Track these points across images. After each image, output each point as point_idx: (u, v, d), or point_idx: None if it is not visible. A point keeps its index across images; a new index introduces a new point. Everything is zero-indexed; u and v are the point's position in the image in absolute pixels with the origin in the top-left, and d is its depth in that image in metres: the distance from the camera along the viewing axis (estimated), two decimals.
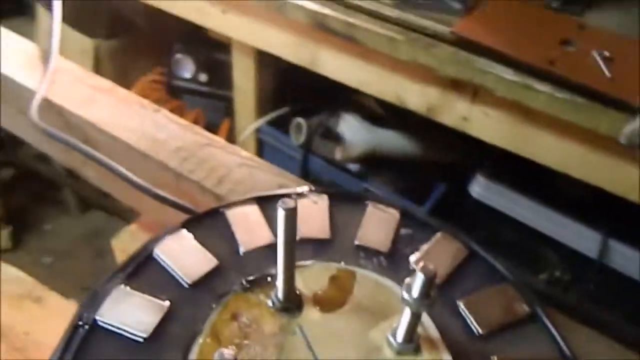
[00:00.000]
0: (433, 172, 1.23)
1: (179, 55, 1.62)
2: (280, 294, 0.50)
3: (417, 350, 0.48)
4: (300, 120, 1.24)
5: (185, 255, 0.54)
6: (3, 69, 0.85)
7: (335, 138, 1.16)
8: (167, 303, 0.49)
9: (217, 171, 0.73)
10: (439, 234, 0.58)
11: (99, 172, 0.77)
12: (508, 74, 0.82)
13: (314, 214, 0.59)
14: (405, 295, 0.43)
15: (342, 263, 0.55)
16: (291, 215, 0.44)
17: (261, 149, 1.39)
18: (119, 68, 1.84)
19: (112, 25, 1.84)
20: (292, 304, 0.51)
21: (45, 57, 0.91)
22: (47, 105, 0.82)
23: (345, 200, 0.60)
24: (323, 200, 0.60)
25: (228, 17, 1.14)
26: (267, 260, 0.54)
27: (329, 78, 1.06)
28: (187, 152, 0.75)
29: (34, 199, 2.05)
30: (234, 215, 0.58)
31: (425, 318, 0.50)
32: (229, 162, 0.74)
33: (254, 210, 0.59)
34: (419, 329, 0.49)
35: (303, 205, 0.58)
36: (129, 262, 0.51)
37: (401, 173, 1.24)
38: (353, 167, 1.24)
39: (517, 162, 0.96)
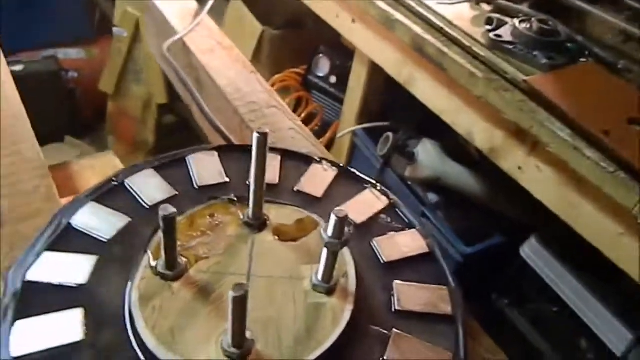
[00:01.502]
0: (492, 220, 1.24)
1: (320, 56, 1.83)
2: (250, 212, 0.63)
3: (329, 292, 0.57)
4: (389, 134, 1.35)
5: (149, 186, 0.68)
6: (161, 4, 1.11)
7: (409, 157, 1.24)
8: (127, 218, 0.63)
9: (270, 126, 0.87)
10: (367, 189, 0.73)
11: (197, 110, 0.96)
12: (563, 132, 0.85)
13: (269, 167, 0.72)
14: (324, 235, 0.53)
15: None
16: (263, 140, 0.56)
17: (352, 151, 1.52)
18: (274, 55, 2.10)
19: (282, 18, 2.12)
20: (257, 223, 0.63)
21: (197, 13, 1.15)
22: (181, 45, 1.05)
23: (295, 158, 0.77)
24: (276, 157, 0.75)
25: (355, 26, 1.30)
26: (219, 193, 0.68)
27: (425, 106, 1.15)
28: (257, 106, 0.91)
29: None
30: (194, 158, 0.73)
31: (350, 272, 0.59)
32: (283, 124, 0.89)
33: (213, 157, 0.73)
34: (342, 281, 0.58)
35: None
36: (103, 184, 0.67)
37: (463, 210, 1.27)
38: (421, 191, 1.30)
39: (576, 233, 0.95)
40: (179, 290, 0.55)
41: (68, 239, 0.61)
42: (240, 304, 0.45)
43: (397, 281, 0.62)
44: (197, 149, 0.75)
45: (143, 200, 0.66)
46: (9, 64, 2.35)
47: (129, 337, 0.52)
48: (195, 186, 0.70)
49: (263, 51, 2.10)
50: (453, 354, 0.55)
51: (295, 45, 2.05)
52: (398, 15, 1.11)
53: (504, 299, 1.26)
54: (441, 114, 1.12)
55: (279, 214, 0.66)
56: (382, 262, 0.64)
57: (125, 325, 0.52)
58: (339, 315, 0.56)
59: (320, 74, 1.85)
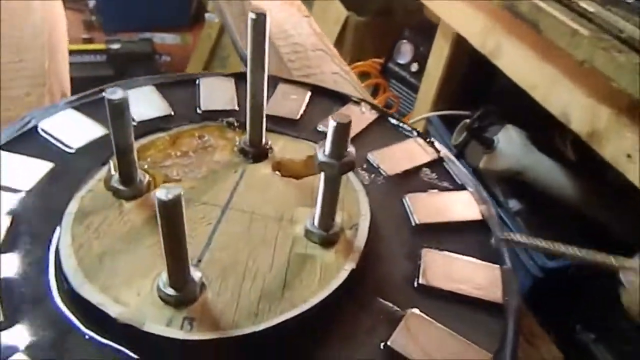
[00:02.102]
0: (585, 232, 1.00)
1: (403, 41, 1.67)
2: (247, 137, 0.49)
3: (326, 243, 0.41)
4: (467, 122, 1.15)
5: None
6: None
7: (488, 145, 1.04)
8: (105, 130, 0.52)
9: (311, 69, 0.74)
10: (411, 139, 0.57)
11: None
12: None
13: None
14: (318, 154, 0.37)
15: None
16: (261, 24, 0.42)
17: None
18: (357, 42, 1.98)
19: (369, 5, 2.00)
20: (254, 152, 0.49)
21: None
22: None
23: (328, 96, 0.63)
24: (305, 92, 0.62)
25: None
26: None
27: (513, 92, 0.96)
28: (301, 48, 0.78)
29: None
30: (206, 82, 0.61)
31: (362, 224, 0.43)
32: (327, 67, 0.75)
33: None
34: (349, 234, 0.42)
35: None
36: (91, 93, 0.56)
37: (548, 216, 1.04)
38: (499, 192, 1.10)
39: None
40: (130, 212, 0.42)
41: (30, 142, 0.50)
42: (171, 218, 0.31)
43: (427, 249, 0.45)
44: (212, 74, 0.63)
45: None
46: (108, 42, 2.43)
47: (48, 253, 0.39)
48: (198, 110, 0.57)
49: (346, 37, 1.98)
50: (494, 355, 0.37)
51: (381, 33, 1.91)
52: None
53: (591, 332, 1.01)
54: (531, 90, 0.91)
55: (287, 148, 0.51)
56: (413, 223, 0.47)
57: (50, 240, 0.40)
58: (331, 274, 0.39)
59: (402, 62, 1.69)
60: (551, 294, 1.02)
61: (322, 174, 0.39)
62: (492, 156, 1.04)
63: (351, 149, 0.37)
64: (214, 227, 0.42)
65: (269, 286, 0.38)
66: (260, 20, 0.42)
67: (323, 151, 0.37)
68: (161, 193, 0.30)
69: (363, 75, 1.76)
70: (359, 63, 1.81)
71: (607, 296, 0.93)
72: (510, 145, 1.02)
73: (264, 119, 0.48)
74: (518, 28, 0.91)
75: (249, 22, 0.42)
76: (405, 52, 1.68)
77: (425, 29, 1.60)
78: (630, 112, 0.75)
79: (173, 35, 2.68)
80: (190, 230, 0.41)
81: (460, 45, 1.16)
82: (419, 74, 1.61)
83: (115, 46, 2.38)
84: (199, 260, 0.39)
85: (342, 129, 0.35)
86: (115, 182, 0.43)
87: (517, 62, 0.94)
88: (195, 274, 0.37)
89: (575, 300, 1.00)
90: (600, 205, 0.98)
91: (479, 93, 1.22)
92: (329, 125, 0.36)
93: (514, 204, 1.11)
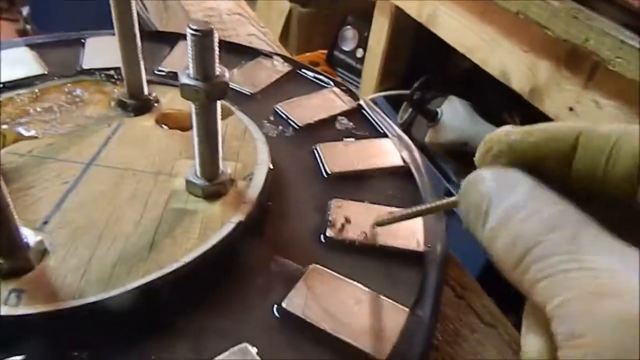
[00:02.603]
0: None
1: (346, 28, 1.62)
2: (125, 87, 0.42)
3: (210, 195, 0.34)
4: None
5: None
6: None
7: (431, 118, 0.99)
8: None
9: (225, 32, 0.67)
10: (327, 89, 0.51)
11: None
12: (634, 40, 0.58)
13: None
14: (182, 78, 0.30)
15: None
16: None
17: None
18: (303, 33, 1.93)
19: None
20: (134, 104, 0.42)
21: None
22: None
23: (236, 51, 0.56)
24: None
25: None
26: None
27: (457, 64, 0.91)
28: (214, 12, 0.71)
29: None
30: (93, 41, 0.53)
31: (259, 173, 0.36)
32: (242, 30, 0.68)
33: None
34: (241, 184, 0.35)
35: None
36: None
37: None
38: (444, 164, 1.05)
39: None
40: None
41: None
42: None
43: (339, 199, 0.38)
44: (101, 32, 0.55)
45: None
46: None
47: None
48: (78, 68, 0.49)
49: (292, 29, 1.93)
50: (410, 310, 0.30)
51: (326, 23, 1.86)
52: None
53: None
54: (471, 54, 0.87)
55: (177, 99, 0.44)
56: (324, 173, 0.41)
57: None
58: (213, 229, 0.32)
59: (347, 49, 1.64)
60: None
61: (191, 106, 0.31)
62: (436, 129, 0.99)
63: (222, 68, 0.30)
64: (71, 186, 0.34)
65: (132, 248, 0.30)
66: None
67: (187, 74, 0.30)
68: None
69: (311, 65, 1.70)
70: (306, 54, 1.76)
71: None
72: (455, 116, 0.97)
73: (142, 64, 0.41)
74: None
75: None
76: (349, 38, 1.63)
77: (367, 14, 1.55)
78: (569, 63, 0.70)
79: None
80: (37, 192, 0.33)
81: (399, 19, 1.11)
82: (365, 57, 1.56)
83: None
84: (45, 223, 0.31)
85: (204, 39, 0.28)
86: None
87: (455, 27, 0.89)
88: (32, 239, 0.29)
89: None
90: None
91: (425, 71, 1.17)
92: (187, 38, 0.29)
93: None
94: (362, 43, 1.58)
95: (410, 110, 1.09)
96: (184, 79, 0.30)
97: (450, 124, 0.97)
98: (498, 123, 1.00)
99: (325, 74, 0.52)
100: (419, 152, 0.44)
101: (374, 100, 1.25)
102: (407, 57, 1.21)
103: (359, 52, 1.59)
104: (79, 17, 2.44)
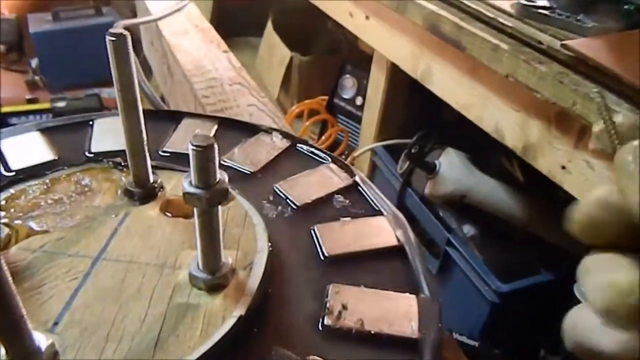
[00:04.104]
0: (537, 252, 0.97)
1: (346, 76, 1.67)
2: (131, 176, 0.44)
3: (213, 288, 0.36)
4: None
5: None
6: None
7: (430, 170, 1.01)
8: None
9: (226, 103, 0.70)
10: (323, 165, 0.53)
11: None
12: (620, 106, 0.60)
13: None
14: (184, 184, 0.33)
15: None
16: (121, 44, 0.37)
17: (373, 171, 1.31)
18: (303, 80, 1.98)
19: (310, 45, 2.02)
20: (140, 193, 0.44)
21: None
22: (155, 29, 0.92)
23: (236, 128, 0.58)
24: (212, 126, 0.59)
25: (369, 23, 1.13)
26: None
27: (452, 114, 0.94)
28: (217, 83, 0.74)
29: None
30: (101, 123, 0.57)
31: (259, 262, 0.38)
32: (243, 100, 0.71)
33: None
34: (242, 275, 0.37)
35: None
36: None
37: (500, 240, 1.01)
38: (444, 213, 1.06)
39: None
40: None
41: None
42: None
43: (336, 284, 0.39)
44: (109, 114, 0.58)
45: (6, 164, 0.49)
46: (53, 100, 2.36)
47: None
48: (88, 152, 0.52)
49: (292, 77, 1.99)
50: None
51: (326, 72, 1.92)
52: None
53: (556, 356, 0.96)
54: (465, 110, 0.90)
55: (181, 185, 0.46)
56: (322, 256, 0.42)
57: None
58: (216, 323, 0.34)
59: (346, 96, 1.68)
60: (511, 319, 0.97)
61: (194, 209, 0.33)
62: (435, 181, 1.01)
63: (222, 175, 0.33)
64: (80, 283, 0.36)
65: (137, 348, 0.32)
66: (121, 41, 0.37)
67: (189, 181, 0.32)
68: None
69: (311, 113, 1.74)
70: (306, 101, 1.80)
71: None
72: (452, 168, 0.99)
73: (147, 155, 0.43)
74: (444, 49, 0.90)
75: (109, 46, 0.37)
76: (348, 86, 1.68)
77: (365, 63, 1.60)
78: (559, 124, 0.73)
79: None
80: (48, 289, 0.35)
81: (396, 73, 1.15)
82: (364, 107, 1.60)
83: (61, 104, 2.32)
84: (55, 324, 0.33)
85: (204, 153, 0.31)
86: None
87: (448, 84, 0.93)
88: (43, 342, 0.30)
89: (537, 324, 0.96)
90: (549, 223, 0.96)
91: (423, 120, 1.20)
92: (189, 151, 0.31)
93: (468, 230, 1.07)
94: (362, 91, 1.62)
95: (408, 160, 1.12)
96: (186, 187, 0.32)
97: (448, 176, 0.99)
98: (495, 173, 1.02)
99: (322, 149, 0.54)
100: (412, 231, 0.46)
101: (374, 151, 1.28)
102: (405, 108, 1.24)
103: (359, 100, 1.63)
104: (87, 69, 2.51)
